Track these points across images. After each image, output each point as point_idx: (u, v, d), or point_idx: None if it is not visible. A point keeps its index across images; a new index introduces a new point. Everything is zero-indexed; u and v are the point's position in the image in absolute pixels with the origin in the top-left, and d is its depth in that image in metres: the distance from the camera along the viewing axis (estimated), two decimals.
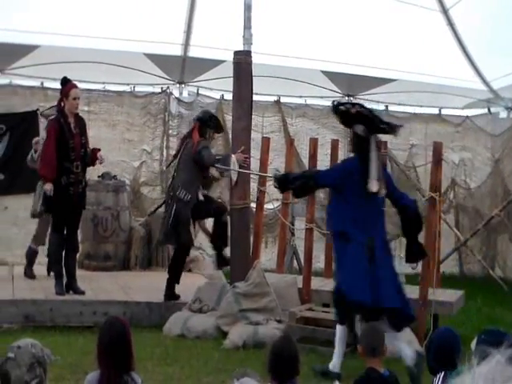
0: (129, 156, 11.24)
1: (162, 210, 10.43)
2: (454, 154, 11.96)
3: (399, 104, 11.92)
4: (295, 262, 9.82)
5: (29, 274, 8.62)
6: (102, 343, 3.32)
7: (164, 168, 11.29)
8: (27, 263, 8.69)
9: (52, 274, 8.56)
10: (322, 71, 11.21)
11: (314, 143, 7.97)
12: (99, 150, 7.84)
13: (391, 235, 11.24)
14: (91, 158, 7.70)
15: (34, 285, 8.12)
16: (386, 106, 12.16)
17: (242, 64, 7.46)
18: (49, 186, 7.37)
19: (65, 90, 7.55)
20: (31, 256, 8.70)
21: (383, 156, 6.50)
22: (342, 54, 10.54)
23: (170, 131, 11.47)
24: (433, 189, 6.99)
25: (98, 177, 9.95)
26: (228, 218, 7.66)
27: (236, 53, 7.54)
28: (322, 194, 9.28)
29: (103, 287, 8.28)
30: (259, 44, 7.79)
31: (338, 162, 7.47)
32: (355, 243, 5.58)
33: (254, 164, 8.11)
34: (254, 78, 7.59)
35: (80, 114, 7.89)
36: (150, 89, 11.38)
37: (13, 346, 2.99)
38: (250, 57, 7.49)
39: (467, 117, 12.38)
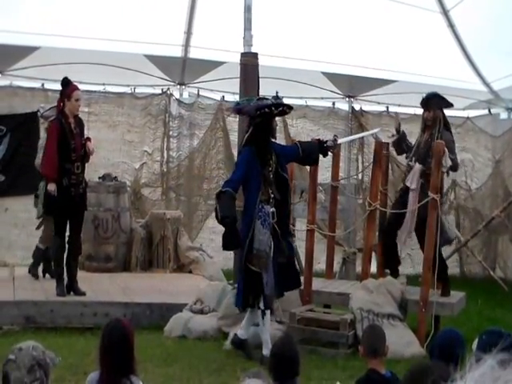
0: (129, 157, 11.23)
1: (160, 210, 10.46)
2: None
3: (399, 105, 11.92)
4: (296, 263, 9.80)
5: (33, 272, 8.61)
6: (103, 345, 3.31)
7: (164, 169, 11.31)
8: (33, 262, 8.66)
9: (47, 275, 8.57)
10: (323, 72, 11.21)
11: None
12: (89, 139, 7.78)
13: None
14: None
15: (34, 286, 8.12)
16: (387, 107, 12.16)
17: (249, 66, 7.47)
18: (52, 187, 7.36)
19: (67, 92, 7.54)
20: (38, 256, 8.67)
21: None
22: (343, 56, 10.54)
23: (171, 132, 11.47)
24: (434, 190, 6.99)
25: (99, 178, 9.95)
26: None
27: (243, 54, 7.54)
28: (323, 196, 9.26)
29: (104, 288, 8.27)
30: (259, 45, 7.78)
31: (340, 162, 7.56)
32: None
33: None
34: None
35: (80, 115, 7.89)
36: (150, 90, 11.38)
37: (14, 348, 3.00)
38: (257, 58, 7.51)
39: (468, 118, 12.37)
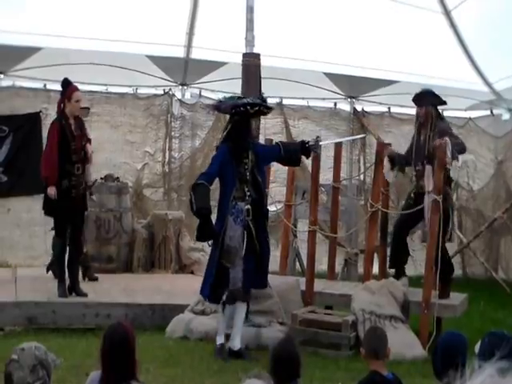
0: (131, 158, 11.24)
1: (162, 210, 10.46)
2: None
3: (401, 106, 11.91)
4: (298, 264, 9.81)
5: (89, 277, 8.64)
6: (104, 349, 3.31)
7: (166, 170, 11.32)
8: (83, 268, 8.60)
9: (50, 272, 8.56)
10: (325, 73, 11.21)
11: None
12: (89, 141, 7.79)
13: None
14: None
15: (36, 287, 8.11)
16: (389, 108, 12.15)
17: (251, 66, 7.47)
18: (52, 191, 7.33)
19: (67, 93, 7.53)
20: (83, 260, 8.61)
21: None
22: (345, 56, 10.54)
23: (173, 133, 11.48)
24: (436, 191, 6.98)
25: (101, 179, 9.94)
26: None
27: (245, 55, 7.54)
28: (324, 197, 9.25)
29: (106, 289, 8.27)
30: (261, 46, 7.79)
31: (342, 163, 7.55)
32: None
33: None
34: None
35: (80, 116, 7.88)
36: (152, 91, 11.39)
37: (17, 348, 3.02)
38: (259, 59, 7.50)
39: (470, 118, 12.37)
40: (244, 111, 6.29)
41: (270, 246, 6.68)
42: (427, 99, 7.49)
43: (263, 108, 6.48)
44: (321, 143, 6.95)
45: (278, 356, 3.55)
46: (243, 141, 6.38)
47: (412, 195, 7.52)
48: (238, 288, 6.29)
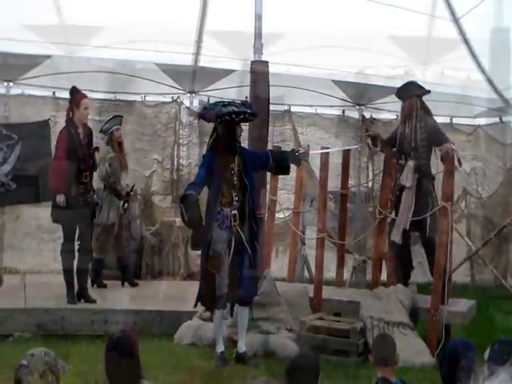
0: (140, 165, 11.26)
1: (170, 217, 10.48)
2: (465, 163, 11.91)
3: None
4: (306, 271, 9.80)
5: (98, 283, 8.68)
6: (107, 358, 3.30)
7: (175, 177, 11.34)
8: (94, 274, 8.65)
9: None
10: (333, 80, 11.22)
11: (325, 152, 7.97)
12: (97, 149, 7.85)
13: None
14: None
15: (45, 293, 8.13)
16: (397, 115, 12.11)
17: (259, 74, 7.49)
18: (61, 198, 7.38)
19: (75, 100, 7.58)
20: (96, 266, 8.66)
21: None
22: (353, 63, 10.54)
23: (181, 140, 11.50)
24: (444, 198, 6.97)
25: None
26: None
27: (253, 62, 7.56)
28: (332, 204, 9.25)
29: (114, 296, 8.29)
30: (269, 53, 7.80)
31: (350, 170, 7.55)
32: None
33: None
34: None
35: (91, 124, 7.93)
36: (160, 98, 11.41)
37: (26, 354, 3.03)
38: (267, 66, 7.52)
39: (479, 126, 12.34)
40: (229, 119, 6.32)
41: (257, 250, 6.62)
42: (409, 91, 7.49)
43: (248, 115, 6.49)
44: (310, 152, 6.99)
45: (296, 367, 3.53)
46: (229, 148, 6.41)
47: (397, 192, 7.51)
48: (224, 293, 6.27)
